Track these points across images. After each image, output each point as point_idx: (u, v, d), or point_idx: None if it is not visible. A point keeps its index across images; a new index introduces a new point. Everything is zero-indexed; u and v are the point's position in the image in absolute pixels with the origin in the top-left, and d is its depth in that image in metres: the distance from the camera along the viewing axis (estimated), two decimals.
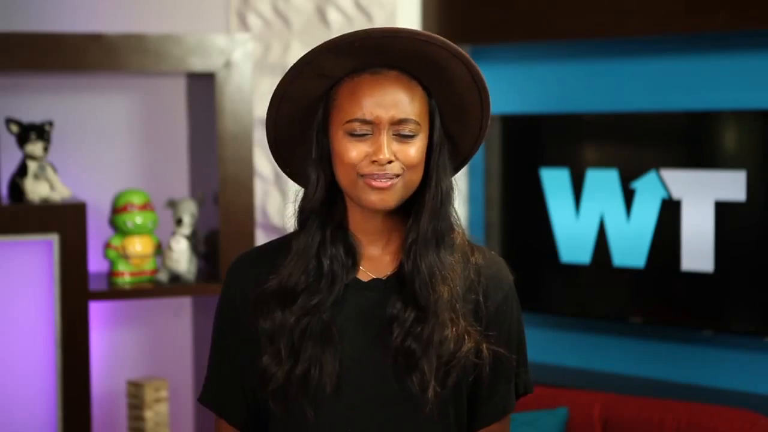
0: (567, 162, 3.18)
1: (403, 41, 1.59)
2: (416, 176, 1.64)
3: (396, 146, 1.61)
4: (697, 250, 2.95)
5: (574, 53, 3.24)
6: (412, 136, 1.62)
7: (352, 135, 1.61)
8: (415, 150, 1.62)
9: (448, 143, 1.68)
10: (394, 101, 1.61)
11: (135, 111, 3.27)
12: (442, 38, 1.61)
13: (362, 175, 1.61)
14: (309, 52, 1.60)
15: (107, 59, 2.92)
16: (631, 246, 3.07)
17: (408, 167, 1.62)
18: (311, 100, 1.66)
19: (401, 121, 1.61)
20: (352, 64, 1.62)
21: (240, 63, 2.98)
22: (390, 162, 1.60)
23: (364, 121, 1.60)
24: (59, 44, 2.88)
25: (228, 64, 2.97)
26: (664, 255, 3.02)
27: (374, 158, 1.60)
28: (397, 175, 1.61)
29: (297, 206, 1.69)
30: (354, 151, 1.61)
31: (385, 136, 1.60)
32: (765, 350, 2.97)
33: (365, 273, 1.69)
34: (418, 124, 1.62)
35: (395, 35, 1.59)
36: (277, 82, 1.65)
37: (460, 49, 1.62)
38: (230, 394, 1.74)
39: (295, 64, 1.62)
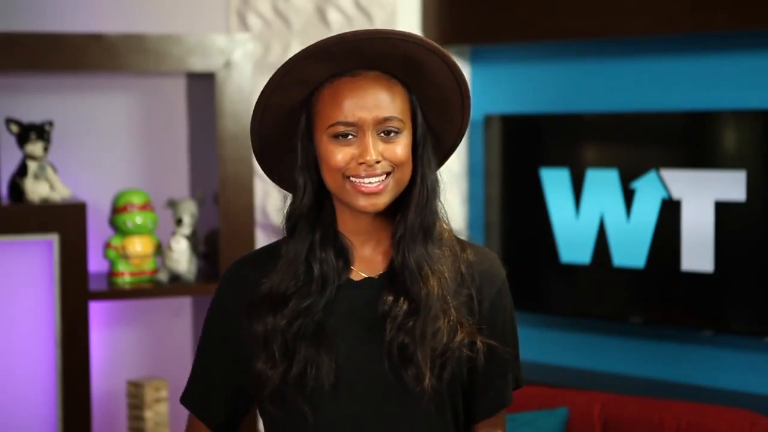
0: (567, 162, 3.18)
1: (379, 42, 1.59)
2: (406, 174, 1.64)
3: (382, 146, 1.61)
4: (697, 250, 2.95)
5: (574, 53, 3.24)
6: (397, 134, 1.62)
7: (337, 138, 1.61)
8: (401, 148, 1.62)
9: (432, 138, 1.69)
10: (376, 101, 1.61)
11: (135, 111, 3.27)
12: (417, 35, 1.61)
13: (350, 178, 1.61)
14: (287, 61, 1.61)
15: (107, 59, 2.92)
16: (631, 246, 3.07)
17: (396, 165, 1.62)
18: (293, 108, 1.66)
19: (385, 120, 1.61)
20: (331, 68, 1.62)
21: (240, 63, 2.98)
22: (378, 162, 1.60)
23: (348, 124, 1.60)
24: (59, 44, 2.88)
25: (228, 64, 2.97)
26: (664, 255, 3.02)
27: (361, 160, 1.60)
28: (387, 174, 1.61)
29: (285, 212, 1.69)
30: (340, 155, 1.61)
31: (370, 137, 1.60)
32: (765, 350, 2.97)
33: (357, 273, 1.69)
34: (401, 121, 1.62)
35: (370, 37, 1.59)
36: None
37: (435, 44, 1.63)
38: (212, 397, 1.75)
39: (274, 73, 1.62)
